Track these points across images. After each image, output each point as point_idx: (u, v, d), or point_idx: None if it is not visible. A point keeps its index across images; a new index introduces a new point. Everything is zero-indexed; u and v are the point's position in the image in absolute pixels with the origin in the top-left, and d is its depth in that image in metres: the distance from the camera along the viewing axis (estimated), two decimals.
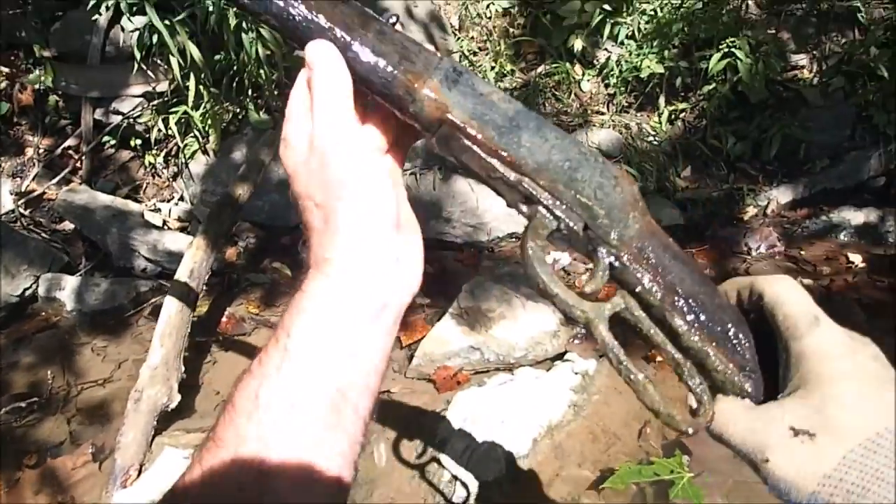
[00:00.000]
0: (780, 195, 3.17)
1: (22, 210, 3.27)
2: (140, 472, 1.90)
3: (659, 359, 2.27)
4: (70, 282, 2.79)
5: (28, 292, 2.79)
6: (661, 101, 3.46)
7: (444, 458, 1.89)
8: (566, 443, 1.97)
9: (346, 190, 0.47)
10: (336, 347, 0.44)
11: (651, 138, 3.41)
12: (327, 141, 0.48)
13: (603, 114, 3.51)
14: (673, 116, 3.48)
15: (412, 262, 0.52)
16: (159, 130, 3.37)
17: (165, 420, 2.10)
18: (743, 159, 3.33)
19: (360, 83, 0.50)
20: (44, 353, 2.55)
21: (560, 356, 2.30)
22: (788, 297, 0.53)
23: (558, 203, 0.49)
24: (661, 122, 3.45)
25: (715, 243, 2.98)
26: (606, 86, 3.61)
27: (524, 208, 0.50)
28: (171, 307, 2.17)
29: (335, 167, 0.48)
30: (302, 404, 0.42)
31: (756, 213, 3.15)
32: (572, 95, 3.58)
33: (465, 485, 1.82)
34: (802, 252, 2.84)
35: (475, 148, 0.50)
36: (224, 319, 2.69)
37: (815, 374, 0.46)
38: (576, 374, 2.14)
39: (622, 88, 3.54)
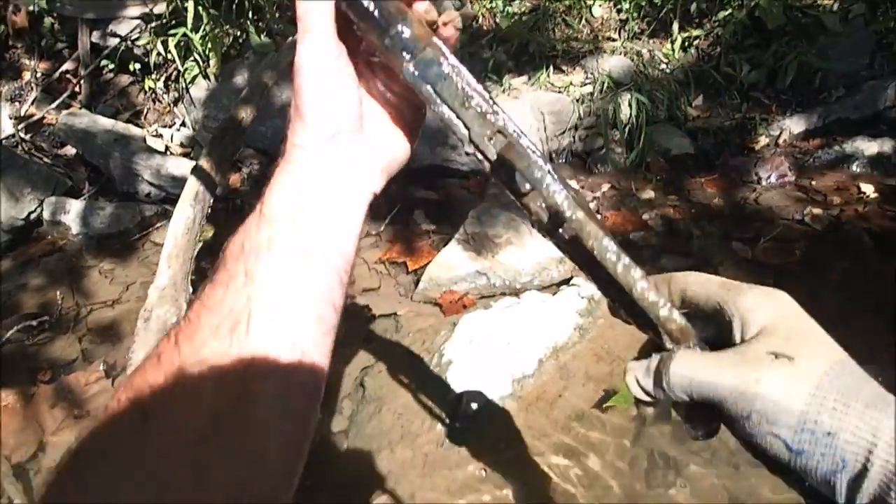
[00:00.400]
0: (794, 125, 3.11)
1: (22, 135, 3.23)
2: None
3: None
4: (75, 206, 2.77)
5: (33, 216, 2.79)
6: (675, 27, 3.36)
7: (450, 377, 1.92)
8: (571, 363, 2.00)
9: (305, 77, 0.51)
10: (300, 215, 0.50)
11: (663, 66, 3.32)
12: (303, 45, 0.51)
13: (614, 40, 3.41)
14: (686, 43, 3.38)
15: (370, 164, 0.56)
16: (158, 54, 3.29)
17: None
18: (757, 88, 3.25)
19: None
20: (51, 276, 2.56)
21: (566, 281, 2.31)
22: (702, 279, 0.53)
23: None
24: (673, 50, 3.36)
25: (725, 173, 2.94)
26: (619, 11, 3.50)
27: (491, 142, 0.50)
28: (178, 228, 2.16)
29: (302, 57, 0.51)
30: (278, 251, 0.48)
31: (768, 143, 3.10)
32: (583, 21, 3.47)
33: (469, 402, 1.85)
34: (813, 182, 2.81)
35: (454, 76, 0.51)
36: None
37: (766, 320, 0.48)
38: (582, 298, 2.15)
39: (635, 14, 3.44)
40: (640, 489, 1.71)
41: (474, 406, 1.82)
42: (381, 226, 2.73)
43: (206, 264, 2.52)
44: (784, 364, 0.45)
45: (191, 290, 2.18)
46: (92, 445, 0.42)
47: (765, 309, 0.49)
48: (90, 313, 2.38)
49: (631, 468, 1.76)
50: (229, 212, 2.89)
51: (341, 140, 0.53)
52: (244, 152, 3.22)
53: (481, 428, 1.80)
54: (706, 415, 0.50)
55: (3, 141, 3.17)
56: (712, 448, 1.78)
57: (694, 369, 0.48)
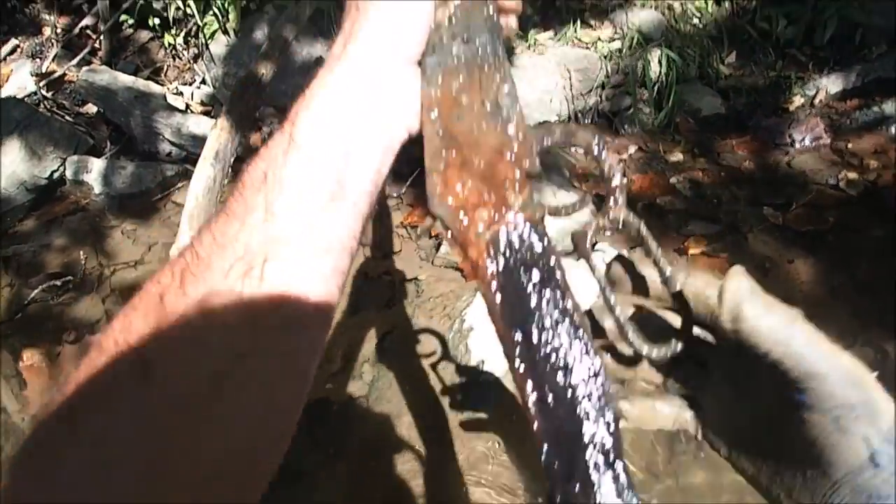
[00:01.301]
0: (831, 84, 2.98)
1: (44, 92, 3.21)
2: None
3: (691, 251, 2.23)
4: (97, 165, 2.77)
5: (56, 175, 2.79)
6: None
7: (471, 343, 1.90)
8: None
9: (375, 11, 0.48)
10: (335, 144, 0.46)
11: (695, 20, 3.19)
12: None
13: None
14: None
15: (414, 100, 0.51)
16: (178, 8, 3.23)
17: None
18: (793, 44, 3.11)
19: None
20: (75, 236, 2.58)
21: (592, 246, 2.27)
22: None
23: None
24: (707, 3, 3.22)
25: (757, 134, 2.84)
26: None
27: None
28: (199, 188, 2.15)
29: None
30: (304, 185, 0.44)
31: (803, 104, 2.98)
32: None
33: (490, 370, 1.84)
34: (849, 145, 2.70)
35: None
36: None
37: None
38: (605, 264, 2.11)
39: None
40: (661, 460, 1.70)
41: (491, 377, 1.81)
42: (402, 188, 2.70)
43: None
44: (835, 352, 0.42)
45: None
46: (87, 391, 0.38)
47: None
48: (113, 273, 2.39)
49: (655, 439, 1.74)
50: None
51: (398, 61, 0.49)
52: (265, 111, 3.18)
53: (498, 398, 1.79)
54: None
55: (26, 98, 3.16)
56: None
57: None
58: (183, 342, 0.39)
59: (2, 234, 2.59)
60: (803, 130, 2.80)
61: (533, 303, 0.44)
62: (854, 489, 0.41)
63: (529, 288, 0.45)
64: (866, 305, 1.99)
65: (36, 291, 2.27)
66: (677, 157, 2.76)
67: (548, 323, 0.44)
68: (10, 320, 2.22)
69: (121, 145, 3.01)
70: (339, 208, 0.45)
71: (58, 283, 2.31)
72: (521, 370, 0.43)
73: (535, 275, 0.45)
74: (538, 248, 0.46)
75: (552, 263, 0.46)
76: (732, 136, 2.85)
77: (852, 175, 2.51)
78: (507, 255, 0.46)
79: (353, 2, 0.50)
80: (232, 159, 2.31)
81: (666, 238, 2.30)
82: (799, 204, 2.39)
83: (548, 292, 0.45)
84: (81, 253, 2.46)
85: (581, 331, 0.43)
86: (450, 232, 0.48)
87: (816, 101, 2.99)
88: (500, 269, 0.46)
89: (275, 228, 0.42)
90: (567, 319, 0.44)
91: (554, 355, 0.43)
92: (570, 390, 0.42)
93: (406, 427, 1.75)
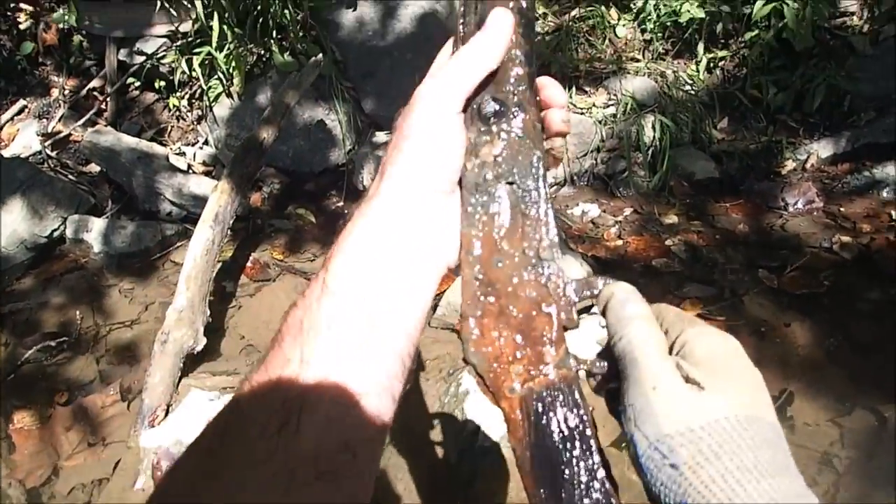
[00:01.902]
0: (822, 149, 3.05)
1: (49, 151, 3.27)
2: (167, 412, 1.93)
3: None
4: (97, 224, 2.79)
5: (56, 233, 2.81)
6: (700, 48, 3.32)
7: (467, 406, 1.88)
8: (592, 395, 1.95)
9: (409, 142, 0.49)
10: (366, 286, 0.46)
11: (688, 87, 3.28)
12: (429, 87, 0.50)
13: (638, 61, 3.37)
14: (712, 65, 3.33)
15: (452, 234, 0.52)
16: (183, 72, 3.32)
17: (192, 363, 2.12)
18: (783, 111, 3.19)
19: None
20: (72, 294, 2.58)
21: (586, 310, 2.27)
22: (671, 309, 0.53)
23: None
24: (699, 71, 3.32)
25: (750, 198, 2.88)
26: (643, 31, 3.47)
27: None
28: (197, 250, 2.16)
29: (419, 110, 0.50)
30: (336, 330, 0.45)
31: (795, 168, 3.04)
32: (607, 41, 3.44)
33: (487, 435, 1.82)
34: (842, 209, 2.74)
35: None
36: (249, 265, 2.69)
37: (705, 351, 0.46)
38: (603, 327, 2.10)
39: (659, 34, 3.40)
40: None
41: (488, 441, 1.79)
42: None
43: (224, 285, 2.53)
44: (689, 390, 0.44)
45: (208, 312, 2.18)
46: None
47: (712, 342, 0.46)
48: (109, 333, 2.39)
49: None
50: (249, 231, 2.90)
51: (435, 199, 0.50)
52: (265, 171, 3.23)
53: (494, 463, 1.76)
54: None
55: (30, 158, 3.21)
56: None
57: (630, 317, 0.48)
58: (223, 497, 0.40)
59: (0, 291, 2.59)
60: (796, 194, 2.84)
61: (563, 463, 0.44)
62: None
63: (560, 448, 0.45)
64: (863, 368, 1.99)
65: (31, 352, 2.26)
66: (672, 219, 2.79)
67: (577, 487, 0.44)
68: (2, 381, 2.20)
69: (122, 204, 3.05)
70: (374, 350, 0.45)
71: (52, 343, 2.30)
72: None
73: (567, 435, 0.45)
74: (571, 407, 0.46)
75: (584, 423, 0.46)
76: (726, 199, 2.89)
77: (846, 238, 2.54)
78: (540, 413, 0.46)
79: (392, 142, 0.51)
80: (231, 221, 2.34)
81: (662, 301, 2.30)
82: (794, 267, 2.41)
83: (577, 453, 0.44)
84: (77, 312, 2.45)
85: (613, 499, 0.44)
86: (483, 380, 0.48)
87: (808, 165, 3.04)
88: (533, 426, 0.46)
89: (309, 377, 0.43)
90: (597, 484, 0.44)
91: None
92: None
93: (403, 488, 1.72)
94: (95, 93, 3.61)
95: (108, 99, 3.49)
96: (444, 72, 0.50)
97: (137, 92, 3.61)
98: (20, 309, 2.51)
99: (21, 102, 3.60)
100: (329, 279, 0.46)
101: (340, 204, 3.08)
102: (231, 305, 2.48)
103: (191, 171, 3.16)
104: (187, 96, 3.47)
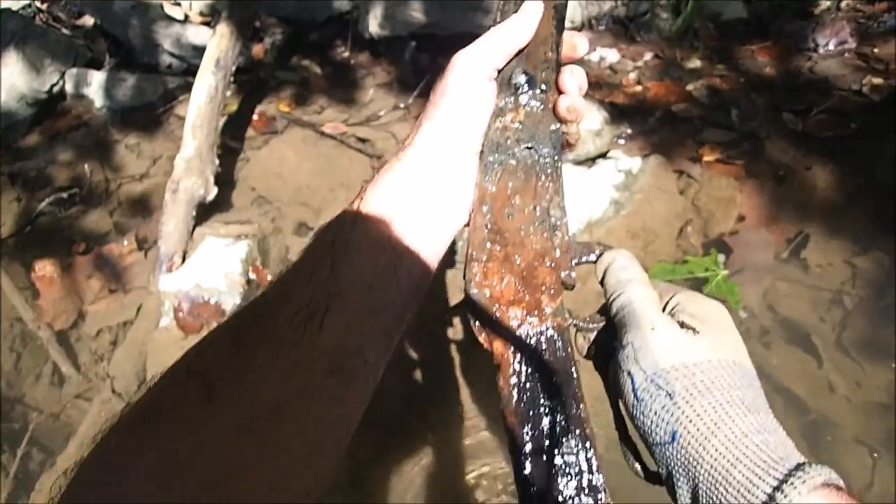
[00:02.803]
0: None
1: (39, 4, 3.11)
2: (184, 258, 1.95)
3: (706, 158, 2.17)
4: (97, 77, 2.71)
5: (56, 88, 2.73)
6: None
7: None
8: (605, 239, 1.95)
9: (444, 99, 0.55)
10: (396, 220, 0.51)
11: None
12: (466, 54, 0.56)
13: None
14: None
15: (470, 193, 0.57)
16: None
17: (204, 213, 2.12)
18: None
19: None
20: (79, 150, 2.55)
21: (602, 155, 2.21)
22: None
23: None
24: None
25: (779, 39, 2.71)
26: None
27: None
28: (200, 97, 2.10)
29: (455, 73, 0.55)
30: (366, 251, 0.49)
31: (829, 7, 2.83)
32: None
33: None
34: (875, 50, 2.58)
35: None
36: (255, 118, 2.62)
37: (697, 309, 0.51)
38: (619, 171, 2.07)
39: None
40: None
41: None
42: (409, 99, 2.63)
43: (230, 140, 2.48)
44: (685, 333, 0.48)
45: (217, 162, 2.15)
46: (154, 407, 0.44)
47: (701, 303, 0.52)
48: (119, 187, 2.38)
49: None
50: (253, 84, 2.80)
51: (460, 154, 0.55)
52: (267, 21, 3.08)
53: None
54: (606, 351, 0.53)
55: (20, 11, 3.06)
56: (745, 326, 1.75)
57: (629, 279, 0.53)
58: (247, 374, 0.44)
59: (6, 149, 2.57)
60: (828, 35, 2.67)
61: (547, 406, 0.47)
62: (638, 429, 0.49)
63: (546, 391, 0.47)
64: (883, 211, 1.95)
65: (43, 204, 2.27)
66: (695, 63, 2.66)
67: (558, 429, 0.46)
68: (19, 233, 2.22)
69: (120, 57, 2.93)
70: (396, 275, 0.50)
71: (65, 195, 2.30)
72: (525, 469, 0.45)
73: (554, 380, 0.48)
74: (561, 354, 0.49)
75: (571, 372, 0.48)
76: (754, 41, 2.73)
77: (877, 80, 2.41)
78: (531, 355, 0.49)
79: (430, 99, 0.56)
80: (234, 67, 2.25)
81: (681, 146, 2.24)
82: (820, 109, 2.31)
83: (562, 399, 0.47)
84: (87, 167, 2.43)
85: (588, 443, 0.45)
86: (479, 320, 0.51)
87: (843, 4, 2.84)
88: (522, 367, 0.48)
89: (337, 285, 0.47)
90: (577, 429, 0.46)
91: (559, 461, 0.45)
92: (568, 502, 0.44)
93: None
94: None
95: None
96: (480, 42, 0.56)
97: None
98: (28, 167, 2.49)
99: None
100: (363, 206, 0.51)
101: (346, 54, 2.95)
102: (240, 158, 2.44)
103: (188, 21, 3.01)
104: None
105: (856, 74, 2.49)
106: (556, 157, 0.55)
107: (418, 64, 2.83)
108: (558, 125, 0.56)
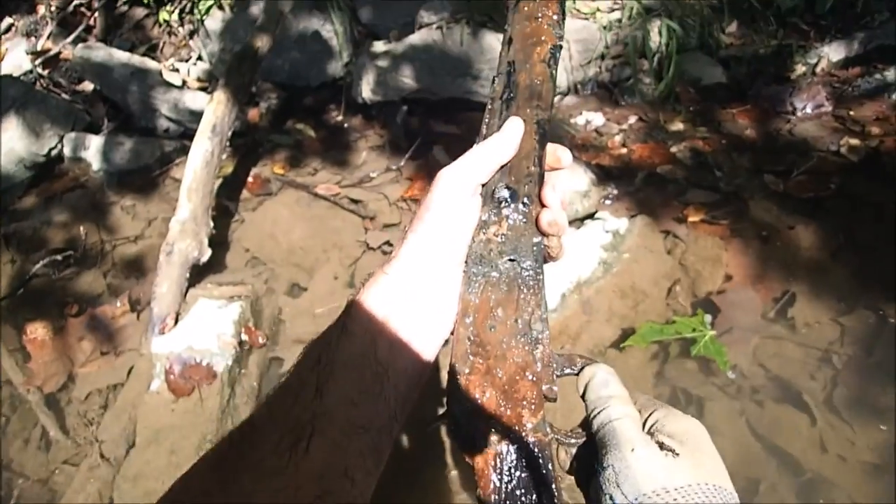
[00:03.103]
0: (833, 52, 2.96)
1: (40, 70, 3.19)
2: (177, 320, 1.96)
3: (691, 219, 2.22)
4: (95, 141, 2.76)
5: (54, 152, 2.78)
6: None
7: None
8: (594, 299, 1.97)
9: (429, 213, 0.56)
10: (382, 336, 0.52)
11: None
12: (451, 170, 0.58)
13: None
14: None
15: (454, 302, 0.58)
16: None
17: (198, 274, 2.14)
18: (794, 13, 3.08)
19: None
20: (75, 212, 2.58)
21: (591, 215, 2.26)
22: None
23: None
24: None
25: (758, 103, 2.82)
26: None
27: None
28: (196, 162, 2.14)
29: (440, 188, 0.57)
30: (351, 369, 0.50)
31: (804, 72, 2.96)
32: None
33: None
34: (851, 112, 2.69)
35: None
36: (250, 180, 2.67)
37: (676, 428, 0.51)
38: (607, 232, 2.11)
39: None
40: None
41: None
42: (401, 161, 2.69)
43: (225, 201, 2.52)
44: (665, 455, 0.48)
45: (211, 224, 2.18)
46: None
47: (680, 421, 0.52)
48: (114, 248, 2.39)
49: None
50: (248, 146, 2.86)
51: (447, 269, 0.56)
52: (262, 86, 3.17)
53: None
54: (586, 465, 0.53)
55: (22, 77, 3.14)
56: (736, 384, 1.76)
57: (609, 396, 0.53)
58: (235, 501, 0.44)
59: (2, 211, 2.59)
60: (805, 98, 2.78)
61: None
62: None
63: None
64: (867, 270, 1.99)
65: (38, 266, 2.28)
66: (678, 126, 2.75)
67: None
68: (13, 295, 2.23)
69: (118, 122, 3.00)
70: (383, 389, 0.50)
71: (59, 258, 2.31)
72: None
73: (534, 496, 0.48)
74: (542, 471, 0.49)
75: (551, 487, 0.48)
76: (733, 104, 2.83)
77: (854, 141, 2.50)
78: (512, 471, 0.49)
79: (417, 212, 0.58)
80: (230, 132, 2.31)
81: (666, 206, 2.29)
82: (800, 171, 2.38)
83: None
84: (82, 229, 2.46)
85: None
86: (461, 433, 0.51)
87: (818, 69, 2.96)
88: (503, 484, 0.48)
89: (323, 406, 0.47)
90: None
91: None
92: None
93: None
94: (83, 9, 3.49)
95: (96, 15, 3.38)
96: (465, 159, 0.58)
97: (126, 7, 3.49)
98: (24, 228, 2.52)
99: (7, 20, 3.49)
100: (349, 323, 0.52)
101: (340, 118, 3.03)
102: (234, 220, 2.47)
103: (185, 86, 3.09)
104: (177, 10, 3.35)
105: (833, 136, 2.58)
106: (538, 270, 0.56)
107: (409, 127, 2.91)
108: (540, 238, 0.57)
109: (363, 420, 0.48)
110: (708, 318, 1.90)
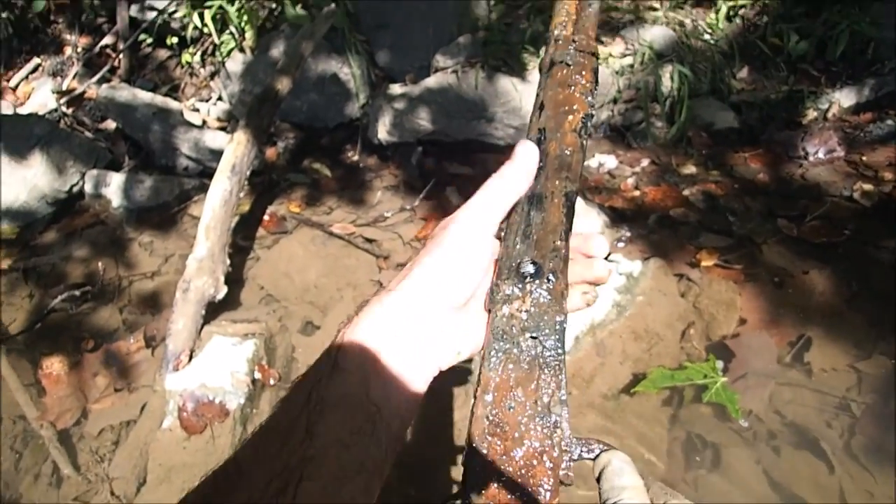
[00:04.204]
0: (844, 98, 2.99)
1: (64, 109, 3.28)
2: (191, 357, 1.97)
3: (704, 263, 2.23)
4: (115, 178, 2.82)
5: (75, 189, 2.84)
6: None
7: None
8: (608, 341, 1.97)
9: (440, 249, 0.55)
10: (375, 373, 0.50)
11: (707, 36, 3.21)
12: (468, 212, 0.57)
13: (656, 10, 3.30)
14: (731, 13, 3.26)
15: (453, 343, 0.57)
16: (195, 27, 3.30)
17: (213, 311, 2.16)
18: (805, 59, 3.12)
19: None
20: (94, 247, 2.62)
21: (605, 258, 2.27)
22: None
23: None
24: (718, 19, 3.24)
25: (770, 147, 2.84)
26: None
27: None
28: (215, 200, 2.18)
29: (448, 231, 0.56)
30: (342, 408, 0.48)
31: (816, 117, 2.99)
32: None
33: None
34: (864, 157, 2.70)
35: None
36: (266, 218, 2.71)
37: None
38: (620, 274, 2.11)
39: None
40: (678, 471, 1.69)
41: None
42: (415, 201, 2.72)
43: (241, 239, 2.55)
44: None
45: (228, 261, 2.20)
46: None
47: None
48: (131, 284, 2.42)
49: (669, 449, 1.73)
50: (265, 185, 2.91)
51: (443, 307, 0.54)
52: (280, 126, 3.23)
53: None
54: None
55: (46, 115, 3.22)
56: (752, 430, 1.74)
57: (623, 487, 0.51)
58: None
59: (23, 245, 2.64)
60: (817, 143, 2.80)
61: None
62: None
63: None
64: (882, 316, 1.98)
65: (56, 301, 2.31)
66: (690, 169, 2.77)
67: None
68: (30, 329, 2.25)
69: (139, 160, 3.06)
70: (374, 430, 0.48)
71: (77, 293, 2.34)
72: None
73: None
74: None
75: None
76: (745, 149, 2.86)
77: (867, 186, 2.51)
78: None
79: (426, 245, 0.57)
80: (248, 172, 2.35)
81: (680, 250, 2.30)
82: (813, 216, 2.39)
83: None
84: (100, 264, 2.49)
85: None
86: None
87: (830, 114, 2.99)
88: None
89: (312, 449, 0.45)
90: None
91: None
92: None
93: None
94: (108, 50, 3.60)
95: (120, 56, 3.49)
96: (480, 198, 0.57)
97: (150, 48, 3.60)
98: (43, 263, 2.56)
99: (35, 61, 3.60)
100: (340, 358, 0.50)
101: (356, 158, 3.08)
102: (249, 257, 2.50)
103: (206, 126, 3.16)
104: (200, 52, 3.45)
105: (846, 181, 2.59)
106: (559, 350, 0.54)
107: (424, 168, 2.95)
108: (564, 316, 0.56)
109: (355, 463, 0.46)
110: (720, 363, 1.88)
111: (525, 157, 0.59)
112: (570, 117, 0.63)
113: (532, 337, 0.54)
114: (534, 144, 0.60)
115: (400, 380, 0.51)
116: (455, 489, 1.77)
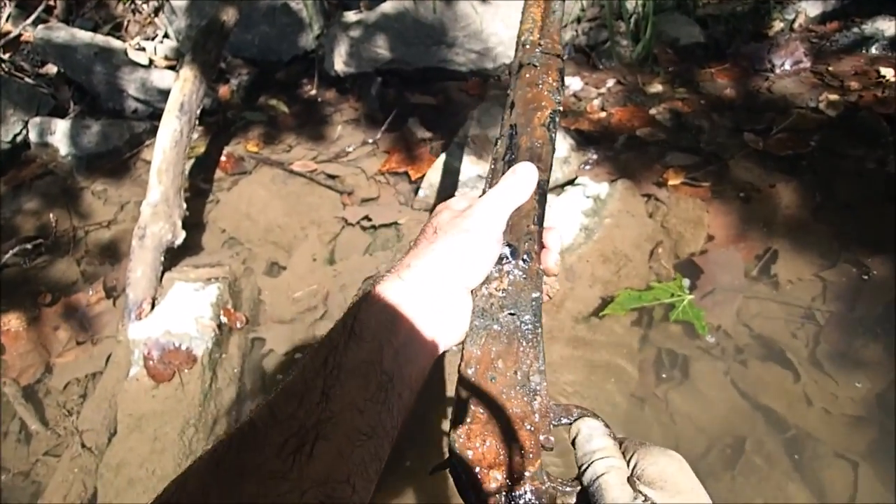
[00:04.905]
0: (810, 7, 2.93)
1: (0, 54, 3.09)
2: (153, 305, 1.92)
3: (672, 182, 2.20)
4: (61, 125, 2.68)
5: (19, 138, 2.70)
6: None
7: None
8: (577, 265, 1.96)
9: (467, 234, 0.59)
10: (389, 343, 0.52)
11: None
12: (490, 200, 0.62)
13: None
14: None
15: (459, 325, 0.60)
16: None
17: (174, 257, 2.10)
18: None
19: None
20: (45, 199, 2.51)
21: (571, 182, 2.24)
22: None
23: None
24: None
25: (737, 61, 2.79)
26: None
27: None
28: (165, 142, 2.08)
29: (470, 219, 0.60)
30: (358, 374, 0.50)
31: (782, 28, 2.93)
32: None
33: None
34: (830, 68, 2.66)
35: None
36: (223, 159, 2.61)
37: (655, 472, 0.52)
38: (587, 197, 2.08)
39: None
40: (649, 388, 1.71)
41: None
42: (377, 134, 2.64)
43: (199, 182, 2.46)
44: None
45: (184, 205, 2.13)
46: None
47: (659, 462, 0.53)
48: (87, 235, 2.34)
49: (640, 367, 1.75)
50: (221, 125, 2.79)
51: (457, 288, 0.58)
52: (232, 62, 3.09)
53: None
54: None
55: None
56: (720, 345, 1.76)
57: (594, 450, 0.55)
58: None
59: None
60: (783, 55, 2.75)
61: None
62: None
63: None
64: (848, 224, 1.99)
65: (8, 256, 2.22)
66: (656, 88, 2.71)
67: None
68: None
69: (85, 104, 2.91)
70: (386, 398, 0.51)
71: (30, 246, 2.25)
72: None
73: None
74: None
75: None
76: (712, 64, 2.80)
77: (833, 97, 2.48)
78: None
79: (431, 225, 0.61)
80: (199, 110, 2.24)
81: (647, 170, 2.27)
82: (779, 128, 2.36)
83: None
84: (52, 216, 2.39)
85: None
86: (462, 480, 0.53)
87: (796, 25, 2.93)
88: None
89: (328, 411, 0.47)
90: None
91: None
92: None
93: None
94: None
95: None
96: (494, 194, 0.63)
97: None
98: None
99: None
100: (356, 327, 0.52)
101: (313, 92, 2.96)
102: (209, 200, 2.42)
103: (153, 65, 3.00)
104: None
105: (812, 92, 2.56)
106: (536, 324, 0.58)
107: (385, 99, 2.85)
108: (539, 293, 0.60)
109: (367, 428, 0.48)
110: (686, 282, 1.89)
111: (524, 174, 0.64)
112: (539, 113, 0.69)
113: (510, 313, 0.58)
114: (534, 166, 0.65)
115: (411, 353, 0.54)
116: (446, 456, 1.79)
